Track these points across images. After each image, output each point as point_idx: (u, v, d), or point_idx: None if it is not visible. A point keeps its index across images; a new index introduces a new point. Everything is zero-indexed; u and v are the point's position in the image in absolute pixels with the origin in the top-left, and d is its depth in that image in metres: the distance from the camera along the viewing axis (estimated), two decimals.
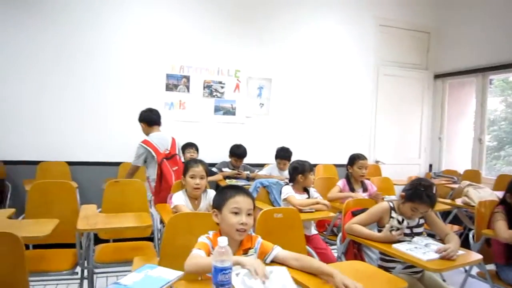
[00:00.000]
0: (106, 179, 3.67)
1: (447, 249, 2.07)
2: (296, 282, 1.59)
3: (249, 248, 1.76)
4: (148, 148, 3.57)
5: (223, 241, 1.41)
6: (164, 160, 3.54)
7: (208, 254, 1.64)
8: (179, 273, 1.53)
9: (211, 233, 1.77)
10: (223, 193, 1.80)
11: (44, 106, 4.30)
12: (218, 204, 1.78)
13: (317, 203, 3.10)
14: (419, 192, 2.30)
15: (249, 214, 1.73)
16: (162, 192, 3.39)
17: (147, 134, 3.74)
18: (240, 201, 1.73)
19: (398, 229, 2.27)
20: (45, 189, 2.91)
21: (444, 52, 6.00)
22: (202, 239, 1.72)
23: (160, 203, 3.14)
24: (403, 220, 2.31)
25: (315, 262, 1.73)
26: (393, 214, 2.38)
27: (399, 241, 2.25)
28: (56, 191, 2.93)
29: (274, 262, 1.76)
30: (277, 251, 1.78)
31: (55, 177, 3.77)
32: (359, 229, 2.41)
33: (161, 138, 3.69)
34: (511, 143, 7.12)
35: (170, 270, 1.56)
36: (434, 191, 2.33)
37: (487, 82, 5.41)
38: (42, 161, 4.19)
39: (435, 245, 2.18)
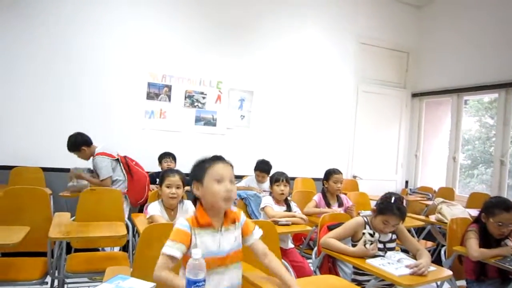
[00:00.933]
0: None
1: (418, 265, 2.11)
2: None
3: (235, 222, 1.70)
4: (106, 156, 3.71)
5: (196, 253, 1.40)
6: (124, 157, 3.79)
7: (188, 244, 1.58)
8: (151, 284, 1.51)
9: (192, 212, 1.69)
10: (202, 164, 1.72)
11: (19, 110, 4.22)
12: (198, 176, 1.69)
13: (293, 216, 3.11)
14: (390, 205, 2.37)
15: (231, 181, 1.66)
16: (135, 185, 3.48)
17: (91, 154, 3.78)
18: (221, 168, 1.67)
19: (371, 242, 2.30)
20: (17, 195, 2.83)
21: (422, 71, 6.18)
22: (181, 224, 1.61)
23: (135, 198, 3.12)
24: (374, 233, 2.36)
25: (282, 268, 1.71)
26: (366, 229, 2.42)
27: (373, 256, 2.28)
28: (28, 197, 2.86)
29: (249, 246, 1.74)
30: (257, 236, 1.75)
31: (29, 183, 3.67)
32: (334, 244, 2.43)
33: (105, 148, 3.80)
34: (485, 162, 7.35)
35: (142, 282, 1.54)
36: (404, 204, 2.40)
37: (462, 102, 5.58)
38: (16, 166, 4.09)
39: (407, 260, 2.22)
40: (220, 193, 1.61)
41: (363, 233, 2.38)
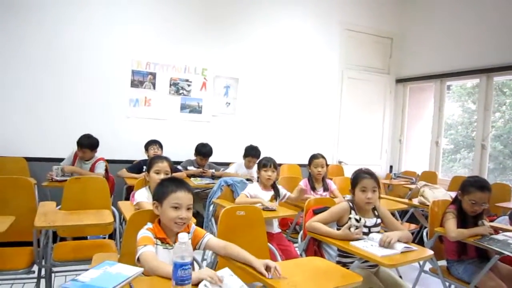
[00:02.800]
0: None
1: (383, 238, 2.21)
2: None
3: (186, 233, 1.79)
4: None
5: (183, 237, 1.43)
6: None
7: (154, 245, 1.74)
8: (139, 269, 1.53)
9: (150, 224, 1.85)
10: (164, 187, 1.85)
11: (1, 98, 4.14)
12: (159, 197, 1.85)
13: (259, 202, 3.05)
14: (358, 173, 2.56)
15: (188, 209, 1.82)
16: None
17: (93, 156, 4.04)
18: (180, 197, 1.80)
19: (357, 227, 2.35)
20: (1, 186, 2.80)
21: (405, 57, 6.23)
22: (144, 232, 1.78)
23: None
24: (360, 218, 2.40)
25: (241, 251, 1.84)
26: (352, 214, 2.47)
27: (357, 240, 2.33)
28: (12, 187, 2.84)
29: (205, 249, 1.93)
30: (208, 237, 1.90)
31: (12, 173, 3.62)
32: (319, 227, 2.47)
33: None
34: (467, 146, 7.50)
35: (130, 267, 1.56)
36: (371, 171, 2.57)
37: (444, 87, 5.67)
38: None
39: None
40: (175, 219, 1.79)
41: (349, 218, 2.42)
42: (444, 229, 2.72)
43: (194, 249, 1.86)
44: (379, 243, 2.22)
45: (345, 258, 2.46)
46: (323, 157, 3.81)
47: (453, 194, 3.83)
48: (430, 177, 5.19)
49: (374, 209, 2.57)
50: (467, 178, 2.91)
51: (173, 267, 1.40)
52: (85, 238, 3.39)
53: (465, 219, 2.73)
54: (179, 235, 1.44)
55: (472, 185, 2.73)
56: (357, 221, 2.38)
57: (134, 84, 4.68)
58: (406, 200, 4.06)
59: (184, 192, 1.82)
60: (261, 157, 3.81)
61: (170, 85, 4.86)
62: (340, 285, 1.72)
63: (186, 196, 1.82)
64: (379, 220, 2.54)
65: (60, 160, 4.06)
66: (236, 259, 1.82)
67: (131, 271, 1.52)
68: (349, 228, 2.34)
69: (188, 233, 1.87)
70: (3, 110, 4.15)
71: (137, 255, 1.68)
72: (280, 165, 4.97)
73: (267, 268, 1.68)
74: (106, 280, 1.43)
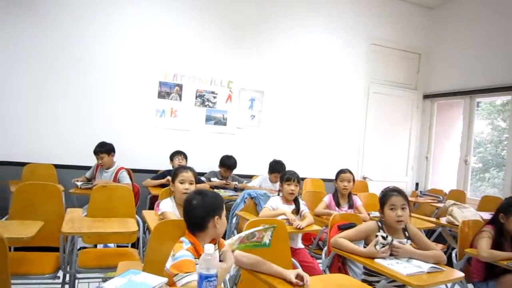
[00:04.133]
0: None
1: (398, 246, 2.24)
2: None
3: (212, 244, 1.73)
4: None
5: (209, 248, 1.41)
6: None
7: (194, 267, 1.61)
8: (163, 279, 1.53)
9: (187, 241, 1.71)
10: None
11: (34, 108, 4.28)
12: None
13: (282, 214, 3.07)
14: (386, 191, 2.54)
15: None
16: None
17: (112, 162, 4.07)
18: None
19: (383, 245, 2.28)
20: (31, 191, 2.87)
21: (433, 73, 6.13)
22: (186, 255, 1.63)
23: None
24: (387, 236, 2.33)
25: (273, 266, 1.89)
26: (379, 232, 2.39)
27: (383, 258, 2.26)
28: (41, 193, 2.89)
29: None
30: (236, 252, 1.88)
31: (42, 180, 3.71)
32: (345, 243, 2.42)
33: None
34: (496, 165, 7.26)
35: (154, 276, 1.55)
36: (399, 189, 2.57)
37: (474, 104, 5.53)
38: (29, 163, 4.15)
39: (417, 260, 2.20)
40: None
41: (376, 235, 2.35)
42: (476, 249, 2.62)
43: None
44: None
45: (371, 276, 2.39)
46: (350, 172, 3.76)
47: (483, 214, 3.73)
48: (458, 196, 5.03)
49: (404, 229, 2.49)
50: (507, 199, 2.79)
51: (198, 278, 1.39)
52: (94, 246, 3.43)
53: (502, 243, 2.60)
54: (205, 245, 1.43)
55: None
56: (384, 238, 2.30)
57: (161, 95, 4.76)
58: (433, 219, 3.94)
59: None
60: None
61: (196, 96, 4.92)
62: None
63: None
64: (409, 241, 2.45)
65: (87, 168, 4.15)
66: (269, 273, 1.86)
67: (155, 280, 1.52)
68: (374, 245, 2.28)
69: (215, 244, 1.81)
70: (35, 120, 4.29)
71: (181, 282, 1.55)
72: (303, 179, 4.95)
73: (298, 277, 1.77)
74: None
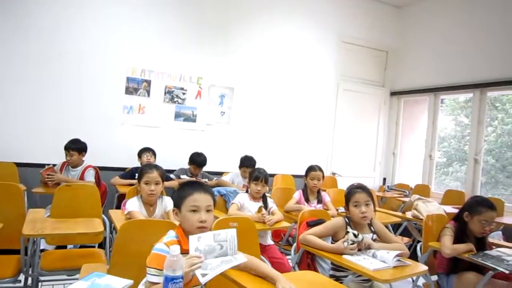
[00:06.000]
0: None
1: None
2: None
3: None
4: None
5: (175, 249, 1.39)
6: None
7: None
8: (129, 282, 1.49)
9: (174, 234, 1.67)
10: (181, 191, 1.75)
11: None
12: (177, 203, 1.74)
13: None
14: (350, 188, 2.58)
15: (208, 211, 1.70)
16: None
17: (80, 161, 3.97)
18: (198, 199, 1.68)
19: (353, 242, 2.30)
20: None
21: (400, 70, 6.28)
22: (158, 249, 1.59)
23: None
24: (358, 234, 2.36)
25: (262, 265, 1.77)
26: (349, 229, 2.42)
27: (350, 254, 2.29)
28: (1, 193, 2.78)
29: None
30: None
31: (2, 179, 3.56)
32: (313, 240, 2.44)
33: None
34: (459, 160, 7.53)
35: (119, 279, 1.52)
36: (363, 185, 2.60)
37: (438, 101, 5.71)
38: None
39: (381, 252, 2.25)
40: (195, 224, 1.65)
41: (347, 232, 2.37)
42: (440, 244, 2.70)
43: None
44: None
45: (338, 272, 2.43)
46: (320, 170, 3.80)
47: (446, 208, 3.86)
48: (423, 190, 5.19)
49: (370, 224, 2.54)
50: (471, 198, 2.86)
51: (164, 280, 1.37)
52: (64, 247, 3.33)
53: (465, 241, 2.66)
54: (171, 247, 1.41)
55: (481, 204, 2.69)
56: (355, 236, 2.33)
57: (128, 91, 4.65)
58: (399, 213, 4.05)
59: (201, 192, 1.70)
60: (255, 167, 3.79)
61: (165, 93, 4.83)
62: None
63: (204, 197, 1.70)
64: (375, 236, 2.51)
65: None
66: (256, 273, 1.73)
67: (120, 283, 1.48)
68: (343, 242, 2.31)
69: None
70: None
71: (148, 277, 1.52)
72: (274, 175, 4.97)
73: None
74: None
